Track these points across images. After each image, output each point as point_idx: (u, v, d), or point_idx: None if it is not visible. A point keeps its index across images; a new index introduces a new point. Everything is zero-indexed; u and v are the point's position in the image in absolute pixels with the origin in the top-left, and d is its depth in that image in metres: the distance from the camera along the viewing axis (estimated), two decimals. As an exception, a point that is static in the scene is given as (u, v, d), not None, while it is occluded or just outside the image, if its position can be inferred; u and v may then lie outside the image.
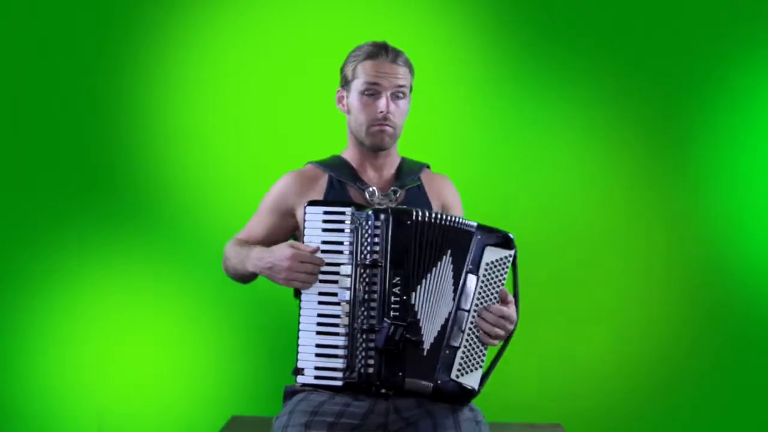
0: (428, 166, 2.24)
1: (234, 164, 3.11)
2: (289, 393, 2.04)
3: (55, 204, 3.11)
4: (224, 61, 3.12)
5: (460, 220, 1.93)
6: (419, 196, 2.13)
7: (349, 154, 2.16)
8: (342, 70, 2.13)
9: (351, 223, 1.90)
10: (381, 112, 2.04)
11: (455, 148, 3.10)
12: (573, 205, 3.13)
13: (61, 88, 3.11)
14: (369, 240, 1.88)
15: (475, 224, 1.94)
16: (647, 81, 3.11)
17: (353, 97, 2.08)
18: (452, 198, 2.22)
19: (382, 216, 1.88)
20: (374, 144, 2.08)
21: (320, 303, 1.90)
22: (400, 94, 2.07)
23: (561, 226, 3.12)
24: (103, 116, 3.11)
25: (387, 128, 2.06)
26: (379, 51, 2.06)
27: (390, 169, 2.15)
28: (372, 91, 2.05)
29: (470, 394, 1.92)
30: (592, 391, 3.11)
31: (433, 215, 1.91)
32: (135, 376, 3.10)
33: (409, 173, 2.15)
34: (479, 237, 1.93)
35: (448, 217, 1.92)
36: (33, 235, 3.11)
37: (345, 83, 2.11)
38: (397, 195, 2.09)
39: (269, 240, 2.10)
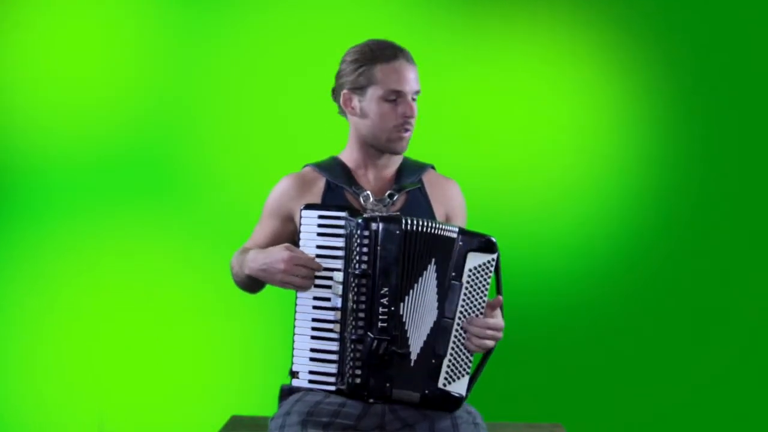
0: (433, 167, 2.18)
1: (237, 164, 3.12)
2: (286, 392, 2.03)
3: (55, 204, 3.12)
4: (226, 62, 3.13)
5: (442, 227, 1.89)
6: (420, 201, 2.09)
7: (348, 155, 2.12)
8: (346, 72, 2.05)
9: (344, 228, 1.88)
10: (407, 117, 2.00)
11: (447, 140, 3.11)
12: (574, 204, 3.14)
13: (69, 85, 3.13)
14: (358, 250, 1.85)
15: (456, 229, 1.90)
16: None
17: (372, 103, 2.02)
18: (457, 205, 2.16)
19: (372, 225, 1.85)
20: (394, 149, 2.04)
21: (315, 308, 1.90)
22: (415, 96, 2.04)
23: (558, 222, 3.12)
24: (102, 113, 3.12)
25: (407, 132, 2.03)
26: (395, 53, 2.01)
27: (390, 170, 2.11)
28: (395, 97, 2.01)
29: (458, 401, 1.90)
30: (592, 391, 3.11)
31: (422, 223, 1.88)
32: (135, 376, 3.11)
33: (409, 174, 2.11)
34: (461, 243, 1.89)
35: (433, 224, 1.89)
36: (33, 234, 3.13)
37: (356, 87, 2.04)
38: (394, 199, 2.04)
39: (273, 246, 2.04)
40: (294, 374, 1.92)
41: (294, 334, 1.92)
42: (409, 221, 1.87)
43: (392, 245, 1.85)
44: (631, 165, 3.12)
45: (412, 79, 2.01)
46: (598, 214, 3.12)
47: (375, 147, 2.06)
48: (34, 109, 3.13)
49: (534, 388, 3.11)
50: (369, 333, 1.84)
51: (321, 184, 2.08)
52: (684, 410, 3.10)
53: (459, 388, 1.90)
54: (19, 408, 3.12)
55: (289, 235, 2.08)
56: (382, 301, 1.85)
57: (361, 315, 1.85)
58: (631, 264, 3.12)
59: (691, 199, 3.12)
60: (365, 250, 1.84)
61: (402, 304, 1.87)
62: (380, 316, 1.85)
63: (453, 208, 2.14)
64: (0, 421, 3.12)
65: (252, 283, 2.06)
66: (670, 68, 3.11)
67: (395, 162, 2.13)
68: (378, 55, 2.01)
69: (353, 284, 1.86)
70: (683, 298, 3.12)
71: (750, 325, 3.10)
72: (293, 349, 1.92)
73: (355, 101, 2.05)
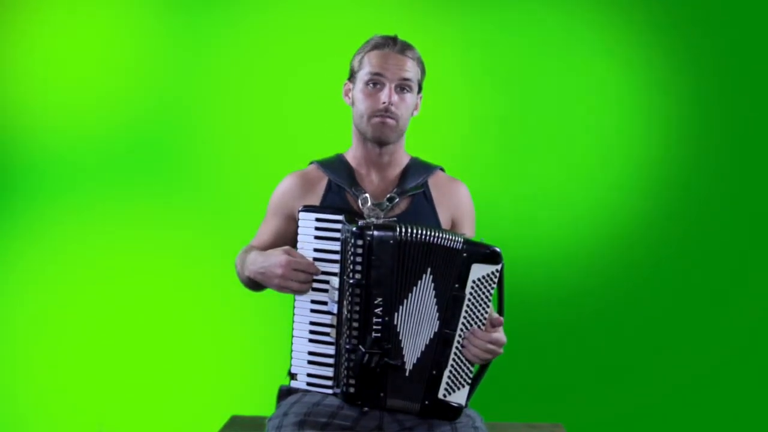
0: (442, 169, 2.15)
1: (238, 164, 3.12)
2: (284, 392, 2.03)
3: (56, 204, 3.12)
4: (226, 62, 3.12)
5: (446, 236, 1.84)
6: (423, 205, 2.06)
7: (351, 153, 2.10)
8: (351, 62, 2.09)
9: (341, 233, 1.85)
10: (384, 102, 1.98)
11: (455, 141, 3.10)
12: (576, 204, 3.13)
13: (70, 85, 3.13)
14: (352, 259, 1.82)
15: (461, 240, 1.84)
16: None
17: (357, 88, 2.03)
18: (464, 209, 2.12)
19: (366, 234, 1.82)
20: (375, 136, 2.01)
21: (312, 311, 1.89)
22: (406, 88, 2.01)
23: (559, 225, 3.12)
24: (102, 113, 3.12)
25: (389, 120, 1.99)
26: (387, 42, 2.02)
27: (395, 170, 2.08)
28: (375, 81, 1.99)
29: (457, 411, 1.88)
30: (592, 391, 3.11)
31: (418, 232, 1.83)
32: (135, 376, 3.11)
33: (414, 177, 2.07)
34: (465, 254, 1.83)
35: (433, 233, 1.84)
36: (34, 234, 3.12)
37: (352, 75, 2.06)
38: (394, 202, 2.01)
39: (277, 245, 2.05)
40: (292, 375, 1.92)
41: (292, 336, 1.91)
42: (404, 230, 1.83)
43: (386, 254, 1.82)
44: (635, 165, 3.11)
45: (395, 65, 2.00)
46: (600, 215, 3.11)
47: (365, 136, 2.04)
48: (35, 109, 3.13)
49: (534, 388, 3.11)
50: (361, 347, 1.82)
51: (323, 183, 2.07)
52: (684, 410, 3.10)
53: (459, 398, 1.88)
54: (18, 407, 3.12)
55: (293, 233, 2.03)
56: (375, 311, 1.82)
57: (355, 325, 1.83)
58: (633, 265, 3.11)
59: (697, 202, 3.12)
60: (359, 259, 1.81)
61: (396, 314, 1.84)
62: (374, 327, 1.82)
63: (459, 212, 2.11)
64: (1, 421, 3.12)
65: (254, 284, 2.04)
66: (678, 70, 3.11)
67: (400, 162, 2.10)
68: (373, 43, 2.04)
69: (348, 293, 1.83)
70: (684, 300, 3.11)
71: (752, 326, 3.10)
72: (292, 351, 1.91)
73: (350, 89, 2.07)
